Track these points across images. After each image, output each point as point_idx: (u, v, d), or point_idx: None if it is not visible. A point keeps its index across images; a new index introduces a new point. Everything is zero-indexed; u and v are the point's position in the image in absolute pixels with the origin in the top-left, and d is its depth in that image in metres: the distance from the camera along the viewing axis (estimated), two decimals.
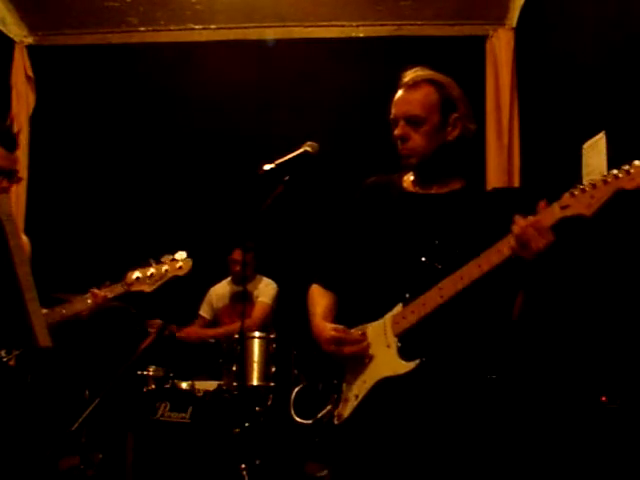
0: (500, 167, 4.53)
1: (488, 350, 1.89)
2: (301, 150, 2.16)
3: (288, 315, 4.46)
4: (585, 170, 3.11)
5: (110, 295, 2.53)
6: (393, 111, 1.96)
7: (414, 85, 1.94)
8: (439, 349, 1.84)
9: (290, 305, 4.51)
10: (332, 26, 4.88)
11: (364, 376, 1.91)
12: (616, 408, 2.43)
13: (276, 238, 4.52)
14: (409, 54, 4.66)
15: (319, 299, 2.09)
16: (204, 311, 4.64)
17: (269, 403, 3.68)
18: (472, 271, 1.74)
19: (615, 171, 1.57)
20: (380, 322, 1.91)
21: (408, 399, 1.84)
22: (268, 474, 3.49)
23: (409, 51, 4.70)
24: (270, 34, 4.93)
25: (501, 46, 4.63)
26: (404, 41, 4.81)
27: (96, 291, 2.52)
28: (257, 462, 3.43)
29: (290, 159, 2.12)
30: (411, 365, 1.81)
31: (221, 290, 4.61)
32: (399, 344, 1.85)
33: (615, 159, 2.78)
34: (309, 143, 2.18)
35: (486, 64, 4.68)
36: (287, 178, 2.13)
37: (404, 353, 1.84)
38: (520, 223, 1.66)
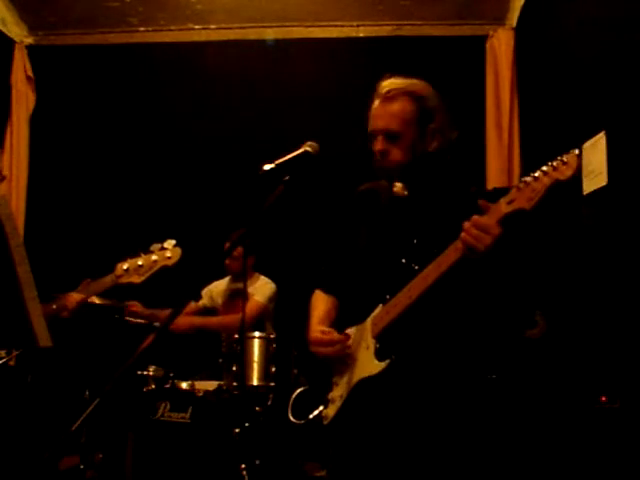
0: (500, 167, 4.53)
1: (460, 348, 1.90)
2: (301, 150, 2.16)
3: (288, 315, 4.47)
4: (585, 170, 3.11)
5: (82, 297, 2.51)
6: (371, 125, 1.98)
7: (391, 98, 1.94)
8: (412, 348, 1.86)
9: (290, 305, 4.51)
10: (332, 26, 4.89)
11: (347, 377, 1.96)
12: (617, 408, 2.43)
13: (276, 238, 4.52)
14: (409, 54, 4.67)
15: (318, 303, 2.15)
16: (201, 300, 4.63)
17: (269, 403, 3.68)
18: (433, 270, 1.75)
19: (554, 162, 1.56)
20: (363, 324, 1.96)
21: (384, 398, 1.87)
22: (268, 474, 3.49)
23: (409, 51, 4.70)
24: (270, 34, 4.93)
25: (501, 46, 4.63)
26: (404, 41, 4.81)
27: (74, 295, 2.50)
28: (257, 462, 3.43)
29: (290, 159, 2.12)
30: (382, 365, 1.84)
31: (221, 287, 4.60)
32: (377, 345, 1.89)
33: (615, 159, 2.79)
34: (309, 143, 2.18)
35: (486, 64, 4.69)
36: (287, 178, 2.14)
37: (380, 353, 1.87)
38: (464, 225, 1.66)
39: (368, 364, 1.89)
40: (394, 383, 1.86)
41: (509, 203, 1.62)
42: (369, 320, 1.94)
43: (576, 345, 2.92)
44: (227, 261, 4.35)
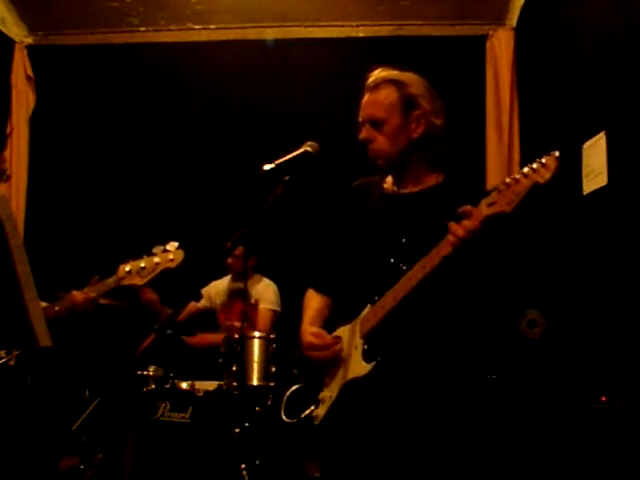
0: (500, 167, 4.53)
1: (446, 349, 1.90)
2: (301, 150, 2.16)
3: (288, 315, 4.46)
4: (585, 170, 3.11)
5: (94, 295, 2.50)
6: (359, 115, 2.01)
7: (375, 87, 1.98)
8: (398, 350, 1.87)
9: (290, 305, 4.51)
10: (332, 26, 4.89)
11: (337, 377, 1.97)
12: (617, 408, 2.43)
13: (276, 238, 4.52)
14: (409, 54, 4.66)
15: (310, 303, 2.16)
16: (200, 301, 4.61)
17: (269, 403, 3.68)
18: (418, 272, 1.76)
19: (534, 164, 1.56)
20: (353, 324, 1.97)
21: (371, 400, 1.88)
22: (268, 474, 3.49)
23: (409, 51, 4.70)
24: (270, 34, 4.93)
25: (501, 46, 4.64)
26: (404, 41, 4.81)
27: (75, 292, 2.49)
28: (257, 462, 3.43)
29: (290, 159, 2.12)
30: (369, 367, 1.86)
31: (220, 286, 4.59)
32: (365, 346, 1.90)
33: (615, 159, 2.79)
34: (309, 143, 2.18)
35: (486, 64, 4.69)
36: (287, 178, 2.14)
37: (368, 355, 1.88)
38: (453, 230, 1.66)
39: (356, 365, 1.91)
40: (381, 385, 1.87)
41: (490, 205, 1.63)
42: (358, 320, 1.95)
43: (576, 345, 2.93)
44: (229, 260, 4.34)
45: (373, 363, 1.85)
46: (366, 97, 2.00)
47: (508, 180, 1.59)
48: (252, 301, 4.39)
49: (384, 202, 2.03)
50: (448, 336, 1.90)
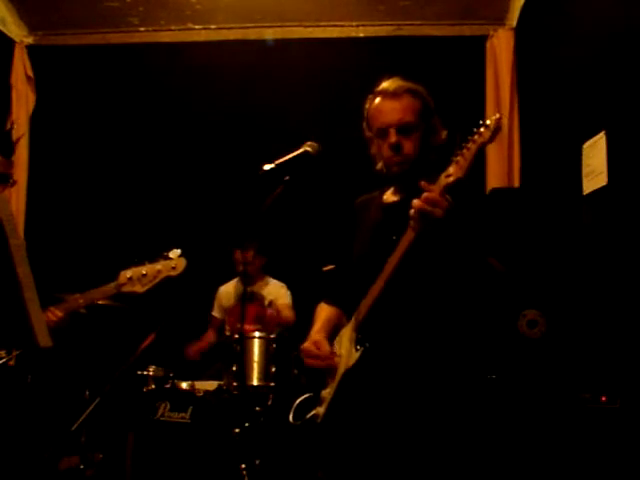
0: (500, 167, 4.53)
1: (429, 330, 1.92)
2: (301, 150, 2.16)
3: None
4: (585, 170, 3.11)
5: (60, 314, 2.46)
6: (381, 120, 2.00)
7: (398, 94, 2.00)
8: (384, 334, 1.92)
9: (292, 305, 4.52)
10: (332, 26, 4.89)
11: (337, 375, 2.01)
12: (617, 408, 2.43)
13: (276, 239, 4.52)
14: (409, 54, 4.67)
15: (320, 313, 2.23)
16: (217, 312, 4.62)
17: (269, 403, 3.68)
18: (395, 255, 1.83)
19: (480, 128, 1.65)
20: (351, 321, 2.04)
21: (362, 388, 1.93)
22: (268, 474, 3.49)
23: (409, 51, 4.70)
24: (270, 34, 4.93)
25: (501, 46, 4.64)
26: (404, 41, 4.81)
27: (50, 311, 2.46)
28: (257, 462, 3.43)
29: (290, 159, 2.12)
30: (357, 354, 1.92)
31: (229, 289, 4.59)
32: (358, 336, 1.97)
33: (615, 159, 2.79)
34: (309, 143, 2.18)
35: (486, 64, 4.69)
36: (287, 178, 2.14)
37: (359, 343, 1.95)
38: (414, 203, 1.71)
39: (350, 357, 1.96)
40: (370, 371, 1.91)
41: (447, 176, 1.69)
42: (353, 316, 2.01)
43: (576, 345, 2.92)
44: (240, 268, 4.39)
45: (361, 350, 1.91)
46: (387, 103, 2.00)
47: (461, 151, 1.68)
48: (266, 303, 4.40)
49: (383, 213, 2.08)
50: (432, 317, 1.92)
